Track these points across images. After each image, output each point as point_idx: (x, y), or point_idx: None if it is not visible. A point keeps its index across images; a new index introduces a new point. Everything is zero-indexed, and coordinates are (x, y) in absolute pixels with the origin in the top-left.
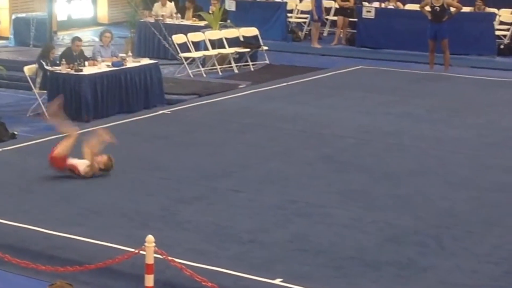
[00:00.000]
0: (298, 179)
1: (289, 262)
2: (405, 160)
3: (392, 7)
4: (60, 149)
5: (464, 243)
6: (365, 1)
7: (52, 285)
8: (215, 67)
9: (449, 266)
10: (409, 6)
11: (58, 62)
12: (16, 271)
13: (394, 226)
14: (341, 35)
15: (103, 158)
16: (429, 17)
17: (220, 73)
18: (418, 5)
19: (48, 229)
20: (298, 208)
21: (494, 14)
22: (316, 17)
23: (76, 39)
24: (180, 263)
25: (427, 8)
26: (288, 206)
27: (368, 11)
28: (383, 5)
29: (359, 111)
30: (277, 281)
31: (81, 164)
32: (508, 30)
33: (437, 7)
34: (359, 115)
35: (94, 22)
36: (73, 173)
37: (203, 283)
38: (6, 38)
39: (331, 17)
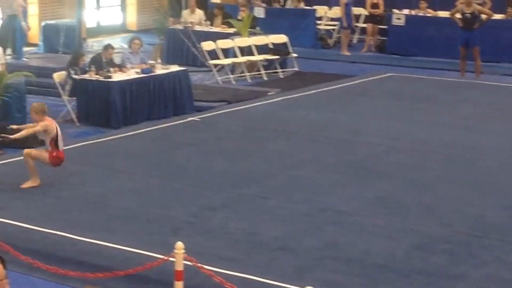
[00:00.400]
0: (327, 187)
1: (319, 270)
2: (434, 167)
3: (422, 14)
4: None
5: (495, 251)
6: (395, 8)
7: None
8: (244, 74)
9: (480, 275)
10: (439, 13)
11: (87, 69)
12: (45, 277)
13: (423, 234)
14: (371, 42)
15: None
16: (460, 24)
17: (249, 80)
18: (449, 12)
19: (77, 235)
20: (328, 215)
21: None
22: (345, 24)
23: (109, 46)
24: (209, 270)
25: (458, 15)
26: (317, 214)
27: (398, 18)
28: (413, 12)
29: (389, 118)
30: None
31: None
32: None
33: (468, 14)
34: (388, 123)
35: (123, 29)
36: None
37: None
38: (36, 45)
39: (360, 24)
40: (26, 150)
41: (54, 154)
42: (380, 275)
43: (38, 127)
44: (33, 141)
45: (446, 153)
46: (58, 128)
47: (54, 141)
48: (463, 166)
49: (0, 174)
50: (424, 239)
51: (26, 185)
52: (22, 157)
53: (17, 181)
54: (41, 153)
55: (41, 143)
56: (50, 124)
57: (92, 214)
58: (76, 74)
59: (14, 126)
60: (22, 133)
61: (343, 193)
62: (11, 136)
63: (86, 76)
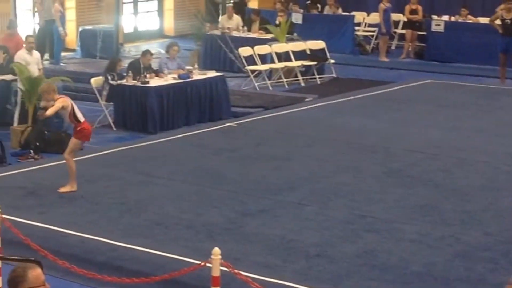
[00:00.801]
0: (366, 194)
1: (357, 277)
2: (474, 175)
3: (462, 20)
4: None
5: None
6: (434, 15)
7: None
8: (281, 80)
9: None
10: (480, 20)
11: (125, 74)
12: (82, 282)
13: (463, 242)
14: (410, 49)
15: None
16: (500, 31)
17: (287, 86)
18: (488, 19)
19: (114, 240)
20: (366, 223)
21: None
22: (384, 30)
23: (148, 52)
24: (246, 276)
25: (498, 22)
26: (356, 221)
27: (438, 24)
28: (452, 18)
29: (428, 125)
30: None
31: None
32: None
33: (508, 20)
34: (428, 130)
35: (160, 34)
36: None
37: None
38: (73, 50)
39: (399, 31)
40: (64, 153)
41: (78, 128)
42: (419, 283)
43: (58, 103)
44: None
45: (487, 160)
46: (72, 101)
47: (73, 116)
48: (505, 174)
49: (37, 179)
50: (465, 247)
51: (64, 189)
52: (59, 162)
53: (55, 186)
54: (71, 142)
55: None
56: (64, 99)
57: (129, 219)
58: (113, 79)
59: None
60: (49, 112)
61: (382, 200)
62: (42, 115)
63: (124, 81)
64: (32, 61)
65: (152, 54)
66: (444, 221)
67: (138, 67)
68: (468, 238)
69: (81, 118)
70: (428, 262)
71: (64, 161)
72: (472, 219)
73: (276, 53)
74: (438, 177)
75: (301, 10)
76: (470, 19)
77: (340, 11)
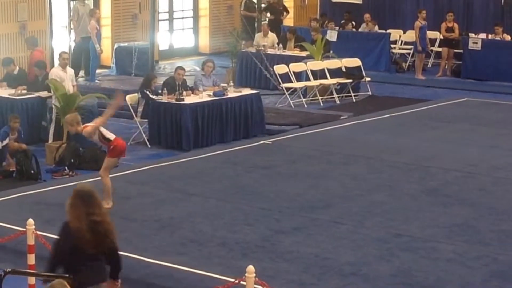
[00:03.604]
0: (402, 212)
1: None
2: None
3: (499, 38)
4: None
5: None
6: (470, 32)
7: None
8: (316, 97)
9: None
10: None
11: (160, 91)
12: None
13: (500, 262)
14: (446, 67)
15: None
16: None
17: (322, 104)
18: None
19: (148, 258)
20: (402, 241)
21: None
22: (420, 48)
23: (179, 68)
24: None
25: None
26: (391, 240)
27: (475, 42)
28: (490, 36)
29: (465, 144)
30: None
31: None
32: None
33: None
34: (465, 148)
35: (195, 52)
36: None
37: None
38: (108, 67)
39: (435, 48)
40: (100, 171)
41: (112, 147)
42: None
43: (89, 128)
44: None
45: None
46: (96, 125)
47: (103, 137)
48: None
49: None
50: (503, 267)
51: None
52: (94, 179)
53: None
54: (106, 160)
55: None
56: (86, 130)
57: (163, 236)
58: (148, 96)
59: None
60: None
61: (418, 219)
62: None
63: (159, 98)
64: (66, 78)
65: (183, 69)
66: (481, 240)
67: (173, 84)
68: (505, 257)
69: (111, 137)
70: (465, 282)
71: (98, 178)
72: (509, 238)
73: (311, 70)
74: (474, 195)
75: (337, 28)
76: (506, 38)
77: (376, 28)
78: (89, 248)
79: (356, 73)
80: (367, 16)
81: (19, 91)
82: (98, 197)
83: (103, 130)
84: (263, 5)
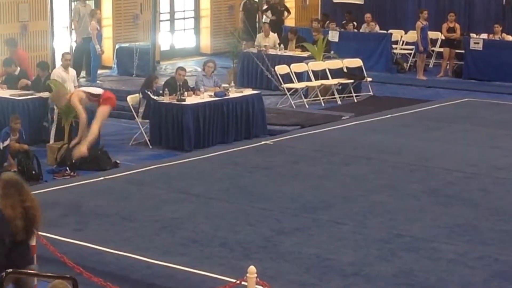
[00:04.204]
0: (403, 213)
1: None
2: None
3: (498, 38)
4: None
5: None
6: (472, 33)
7: None
8: (318, 98)
9: None
10: None
11: (161, 92)
12: None
13: (502, 262)
14: (448, 67)
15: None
16: None
17: (323, 104)
18: None
19: (149, 258)
20: (404, 242)
21: None
22: (421, 48)
23: (180, 68)
24: None
25: None
26: (393, 240)
27: (476, 42)
28: (491, 36)
29: (467, 144)
30: None
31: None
32: None
33: None
34: (466, 149)
35: (196, 52)
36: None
37: None
38: (110, 68)
39: (437, 49)
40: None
41: (103, 98)
42: None
43: (75, 103)
44: (105, 162)
45: None
46: (81, 89)
47: (91, 95)
48: None
49: (74, 196)
50: (504, 267)
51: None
52: (95, 179)
53: (90, 203)
54: (99, 111)
55: (115, 165)
56: (75, 95)
57: (164, 237)
58: (149, 96)
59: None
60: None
61: (419, 219)
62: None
63: (160, 99)
64: (68, 79)
65: (184, 70)
66: (483, 240)
67: (174, 85)
68: (507, 258)
69: (99, 91)
70: (466, 282)
71: (99, 178)
72: (511, 238)
73: (312, 71)
74: (476, 196)
75: (338, 28)
76: (505, 37)
77: (377, 28)
78: (21, 234)
79: (358, 74)
80: (367, 16)
81: (24, 85)
82: (25, 183)
83: (89, 89)
84: (265, 7)
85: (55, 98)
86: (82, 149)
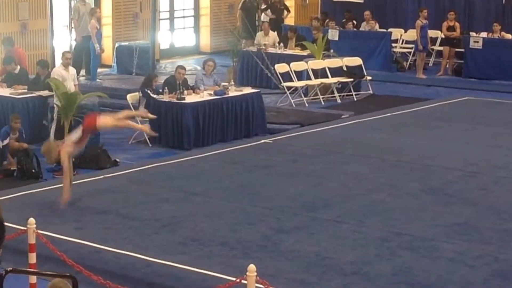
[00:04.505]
0: (403, 211)
1: None
2: None
3: (498, 37)
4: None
5: None
6: (472, 31)
7: None
8: (317, 96)
9: None
10: None
11: (160, 90)
12: None
13: (502, 261)
14: (447, 66)
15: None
16: None
17: (323, 103)
18: None
19: (149, 257)
20: (403, 240)
21: None
22: (421, 47)
23: (180, 67)
24: None
25: None
26: (392, 239)
27: (476, 41)
28: (491, 35)
29: (467, 143)
30: None
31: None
32: None
33: None
34: (466, 147)
35: (196, 51)
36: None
37: None
38: (109, 66)
39: (436, 47)
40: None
41: (85, 124)
42: None
43: (65, 165)
44: (105, 160)
45: None
46: (66, 143)
47: (75, 144)
48: None
49: (73, 194)
50: (504, 266)
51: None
52: (94, 178)
53: (90, 202)
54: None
55: (114, 163)
56: (63, 152)
57: (164, 235)
58: (149, 95)
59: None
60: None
61: (419, 218)
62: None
63: (160, 98)
64: (68, 77)
65: (184, 69)
66: (482, 239)
67: (174, 84)
68: (506, 257)
69: (79, 132)
70: (466, 281)
71: (100, 177)
72: (511, 237)
73: (312, 69)
74: (476, 195)
75: (337, 27)
76: (504, 36)
77: (377, 27)
78: None
79: (357, 72)
80: (367, 13)
81: (19, 91)
82: None
83: (72, 138)
84: (264, 6)
85: (45, 152)
86: (65, 197)
